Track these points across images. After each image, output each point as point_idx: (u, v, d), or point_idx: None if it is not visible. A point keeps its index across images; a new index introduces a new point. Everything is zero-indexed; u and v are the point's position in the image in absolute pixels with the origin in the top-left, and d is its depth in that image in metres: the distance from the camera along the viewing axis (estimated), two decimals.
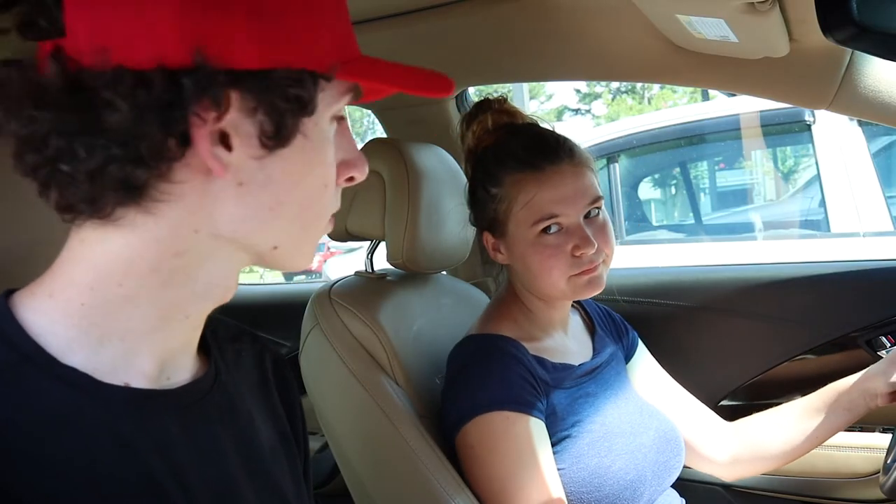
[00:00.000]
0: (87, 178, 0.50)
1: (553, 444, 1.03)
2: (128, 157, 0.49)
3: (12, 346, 0.52)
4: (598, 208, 1.09)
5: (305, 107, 0.54)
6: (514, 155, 1.09)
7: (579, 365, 1.13)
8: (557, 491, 0.99)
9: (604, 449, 1.04)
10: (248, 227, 0.56)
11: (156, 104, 0.48)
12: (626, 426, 1.09)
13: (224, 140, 0.52)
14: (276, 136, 0.53)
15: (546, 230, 1.05)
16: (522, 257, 1.08)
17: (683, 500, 1.15)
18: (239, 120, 0.52)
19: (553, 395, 1.06)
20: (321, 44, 0.54)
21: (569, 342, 1.17)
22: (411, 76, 0.61)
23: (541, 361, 1.08)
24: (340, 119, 0.60)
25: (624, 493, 1.02)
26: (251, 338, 0.74)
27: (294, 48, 0.52)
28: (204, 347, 0.65)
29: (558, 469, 1.02)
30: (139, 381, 0.56)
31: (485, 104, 1.17)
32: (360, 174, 0.62)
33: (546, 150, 1.08)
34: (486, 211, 1.11)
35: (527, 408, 1.01)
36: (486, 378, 1.03)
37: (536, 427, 1.01)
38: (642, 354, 1.30)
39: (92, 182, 0.50)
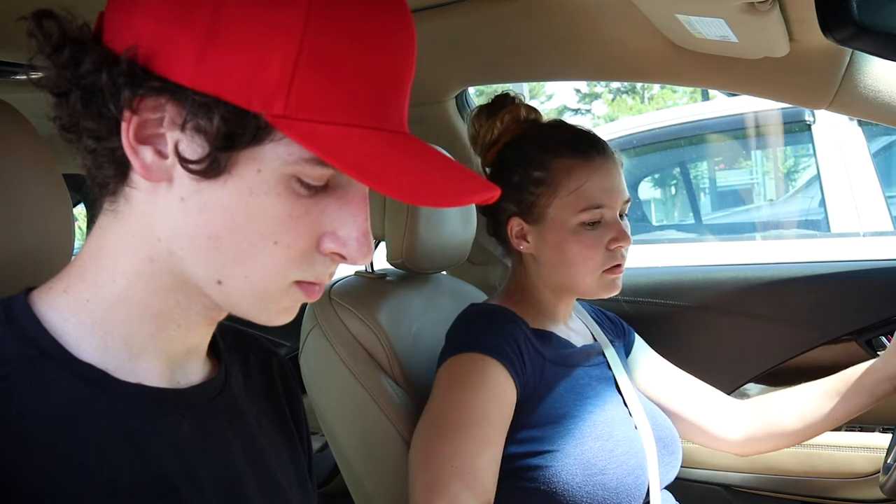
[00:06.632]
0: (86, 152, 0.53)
1: (550, 424, 1.03)
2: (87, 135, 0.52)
3: (30, 341, 0.53)
4: (626, 210, 1.13)
5: (231, 143, 0.49)
6: (565, 142, 1.11)
7: (581, 346, 1.15)
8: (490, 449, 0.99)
9: (605, 434, 1.04)
10: (191, 248, 0.53)
11: (91, 86, 0.50)
12: (626, 417, 1.10)
13: (158, 143, 0.51)
14: (198, 163, 0.50)
15: (587, 224, 1.08)
16: (558, 245, 1.10)
17: None
18: (170, 130, 0.50)
19: (548, 369, 1.08)
20: (279, 88, 0.48)
21: (570, 332, 1.19)
22: (410, 174, 0.51)
23: (543, 335, 1.11)
24: (328, 186, 0.53)
25: (627, 478, 1.03)
26: (259, 343, 0.75)
27: (239, 82, 0.48)
28: (215, 350, 0.66)
29: (558, 450, 1.02)
30: (151, 380, 0.57)
31: (510, 97, 1.20)
32: (347, 254, 0.54)
33: (596, 143, 1.12)
34: (522, 194, 1.12)
35: (499, 356, 1.02)
36: (475, 328, 1.09)
37: (502, 376, 1.02)
38: (641, 348, 1.30)
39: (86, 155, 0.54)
